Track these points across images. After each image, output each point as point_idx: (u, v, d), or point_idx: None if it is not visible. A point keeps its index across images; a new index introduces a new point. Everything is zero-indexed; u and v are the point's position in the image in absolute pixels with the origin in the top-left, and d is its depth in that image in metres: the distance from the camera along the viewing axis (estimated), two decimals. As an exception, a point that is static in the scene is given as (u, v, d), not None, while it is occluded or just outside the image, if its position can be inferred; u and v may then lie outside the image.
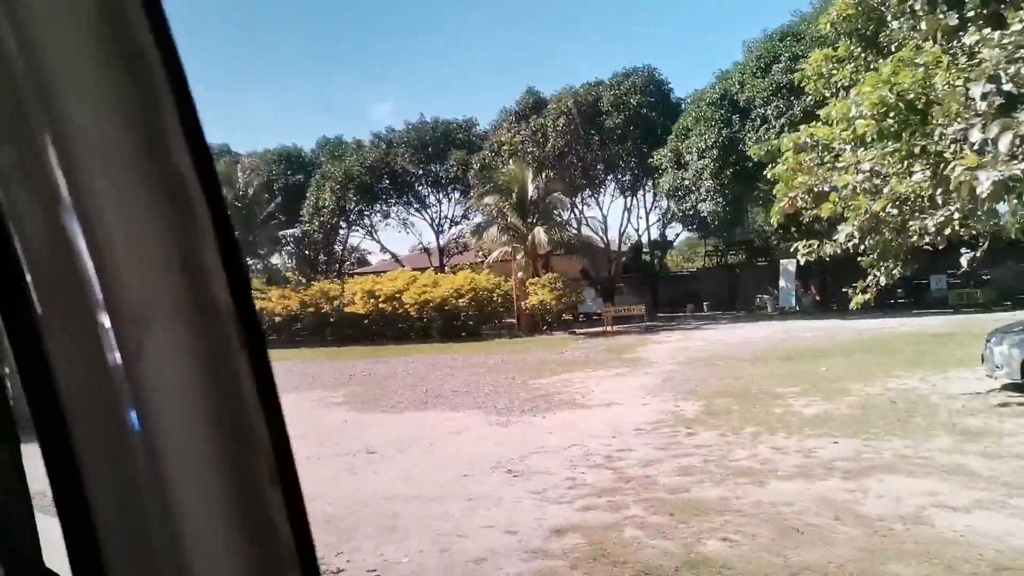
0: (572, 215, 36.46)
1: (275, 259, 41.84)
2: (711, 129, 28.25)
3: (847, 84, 12.19)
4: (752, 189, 30.32)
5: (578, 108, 33.19)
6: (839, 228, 8.77)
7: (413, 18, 78.45)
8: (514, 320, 32.46)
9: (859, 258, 11.21)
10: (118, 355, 0.60)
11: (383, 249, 44.70)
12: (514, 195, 30.21)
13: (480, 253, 41.49)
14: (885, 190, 7.95)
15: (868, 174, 8.17)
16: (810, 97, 25.92)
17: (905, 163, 7.94)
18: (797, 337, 20.81)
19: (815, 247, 10.25)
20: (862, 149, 10.03)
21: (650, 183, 37.01)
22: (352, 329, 33.00)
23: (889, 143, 7.87)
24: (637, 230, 40.71)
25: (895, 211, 8.54)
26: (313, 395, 15.82)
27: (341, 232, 43.03)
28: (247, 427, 0.64)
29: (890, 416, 9.08)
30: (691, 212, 30.22)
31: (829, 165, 10.81)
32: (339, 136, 46.33)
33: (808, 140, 10.83)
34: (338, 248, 45.63)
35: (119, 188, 0.61)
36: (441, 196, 42.17)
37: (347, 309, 32.86)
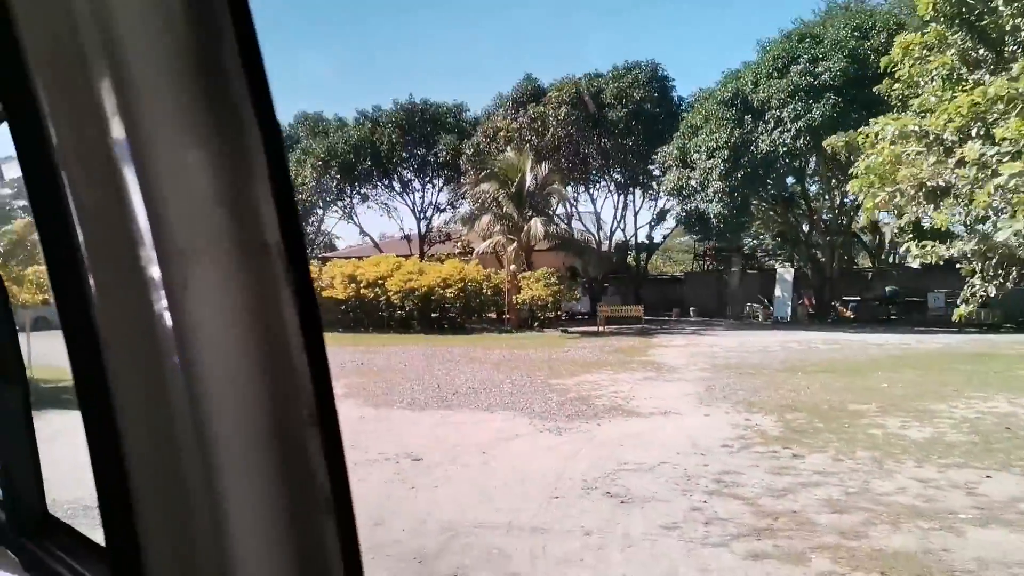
0: (567, 209, 35.14)
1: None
2: (722, 128, 27.16)
3: (944, 73, 11.09)
4: (756, 193, 29.48)
5: (580, 98, 31.81)
6: (1000, 224, 7.52)
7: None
8: (496, 315, 31.09)
9: (959, 265, 10.10)
10: (162, 289, 0.58)
11: (362, 232, 42.80)
12: (512, 184, 28.69)
13: (461, 244, 39.93)
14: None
15: (1043, 163, 6.94)
16: (831, 101, 25.22)
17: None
18: (815, 349, 19.82)
19: (929, 249, 9.05)
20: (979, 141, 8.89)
21: (645, 181, 35.99)
22: (329, 315, 31.06)
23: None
24: (623, 230, 39.52)
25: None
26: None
27: (318, 212, 40.94)
28: (289, 368, 0.62)
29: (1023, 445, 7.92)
30: (695, 213, 29.11)
31: (937, 157, 9.68)
32: (319, 112, 44.08)
33: (916, 128, 9.64)
34: (311, 229, 43.57)
35: (166, 110, 0.59)
36: (426, 181, 40.39)
37: (324, 293, 30.90)
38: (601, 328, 27.99)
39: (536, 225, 27.22)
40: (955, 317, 10.11)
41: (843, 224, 31.63)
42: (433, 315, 30.43)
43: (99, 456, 0.62)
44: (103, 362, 0.60)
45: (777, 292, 31.88)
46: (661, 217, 39.62)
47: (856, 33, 26.98)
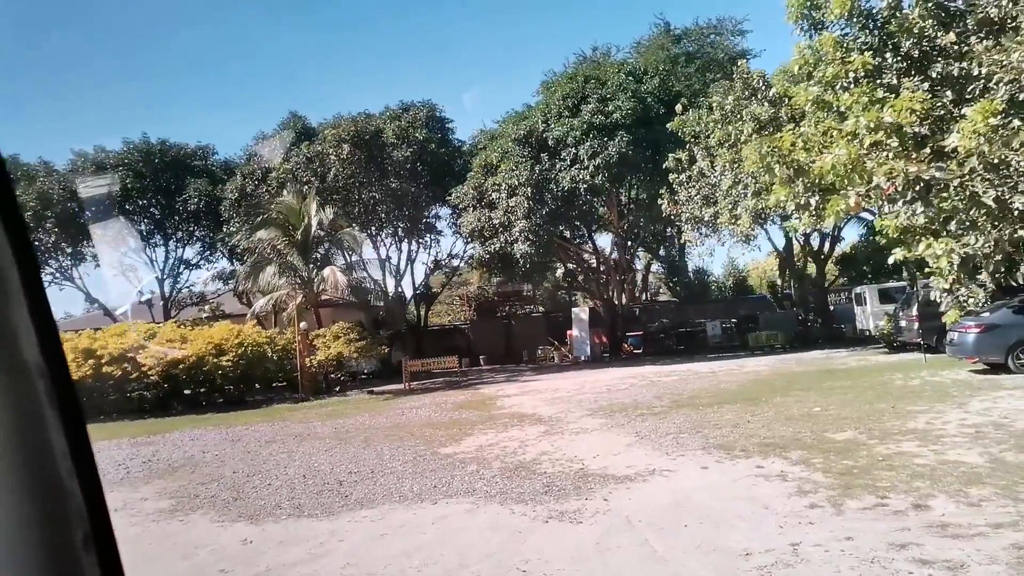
0: (347, 259, 31.78)
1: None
2: (522, 165, 26.35)
3: (863, 73, 10.69)
4: (559, 232, 29.10)
5: (360, 136, 29.12)
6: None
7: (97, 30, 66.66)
8: (282, 384, 26.76)
9: (929, 269, 9.48)
10: None
11: (89, 299, 34.87)
12: (297, 231, 24.94)
13: (210, 307, 34.54)
14: None
15: None
16: (625, 138, 25.60)
17: None
18: (661, 383, 19.16)
19: (949, 249, 8.11)
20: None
21: (426, 227, 34.19)
22: (55, 403, 24.12)
23: None
24: (400, 279, 37.10)
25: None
26: (108, 497, 9.66)
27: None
28: (58, 490, 0.58)
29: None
30: (498, 254, 27.73)
31: (895, 152, 9.03)
32: (14, 155, 35.51)
33: (891, 120, 8.89)
34: None
35: None
36: (171, 234, 34.26)
37: (49, 376, 24.00)
38: (408, 385, 25.12)
39: (335, 274, 23.76)
40: (949, 321, 9.43)
41: (629, 261, 32.55)
42: (200, 390, 25.15)
43: None
44: None
45: (575, 332, 31.67)
46: (438, 265, 38.09)
47: (631, 78, 28.08)
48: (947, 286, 9.21)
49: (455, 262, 35.91)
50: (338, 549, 6.50)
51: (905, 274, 28.68)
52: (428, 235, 34.26)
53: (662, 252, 42.20)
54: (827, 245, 30.20)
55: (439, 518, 7.31)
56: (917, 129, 8.91)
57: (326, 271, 24.42)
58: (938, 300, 9.36)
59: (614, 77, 27.83)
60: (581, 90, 27.37)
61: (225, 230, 29.76)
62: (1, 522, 0.56)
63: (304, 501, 8.72)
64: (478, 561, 5.78)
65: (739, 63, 23.11)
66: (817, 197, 10.73)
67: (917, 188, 8.50)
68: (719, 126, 22.03)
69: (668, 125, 23.95)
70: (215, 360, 24.15)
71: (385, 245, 34.48)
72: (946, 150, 8.61)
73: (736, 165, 20.36)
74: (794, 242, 32.07)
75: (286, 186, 28.07)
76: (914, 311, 18.37)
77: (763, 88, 20.41)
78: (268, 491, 9.58)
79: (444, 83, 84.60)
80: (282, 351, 25.42)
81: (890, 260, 9.94)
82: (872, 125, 8.84)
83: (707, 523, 6.22)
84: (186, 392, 24.88)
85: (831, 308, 31.18)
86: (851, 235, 33.03)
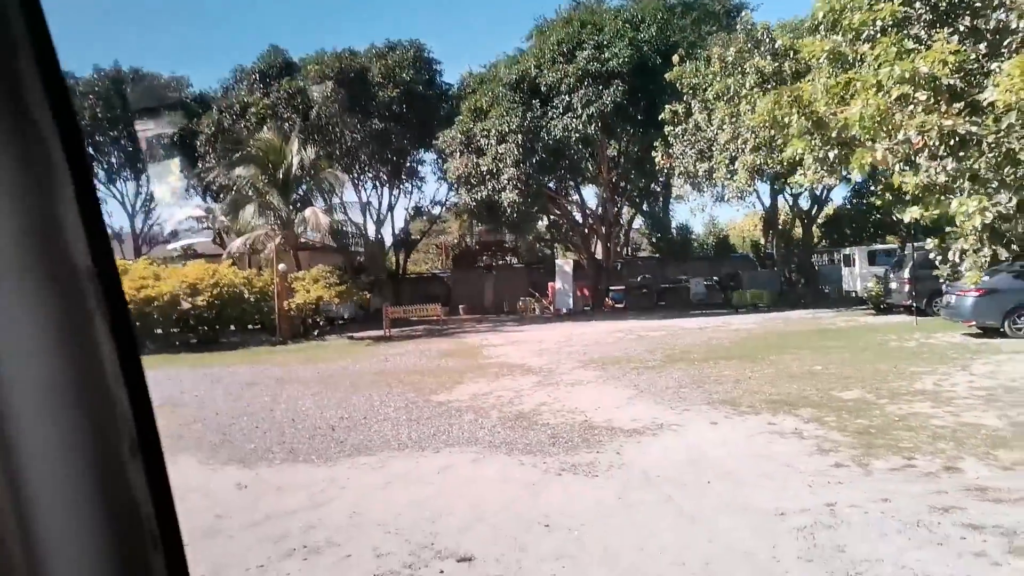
0: (327, 200, 30.94)
1: None
2: (513, 111, 25.58)
3: (891, 23, 10.22)
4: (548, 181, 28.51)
5: (344, 74, 28.03)
6: None
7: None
8: (259, 327, 26.12)
9: (950, 229, 9.21)
10: None
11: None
12: (279, 169, 24.03)
13: (183, 247, 33.60)
14: None
15: None
16: (620, 87, 24.89)
17: None
18: (651, 337, 18.97)
19: (983, 207, 7.78)
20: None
21: (409, 171, 33.36)
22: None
23: None
24: (379, 222, 36.31)
25: None
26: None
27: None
28: (106, 395, 0.58)
29: None
30: (486, 202, 27.06)
31: (933, 103, 8.65)
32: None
33: (928, 70, 8.47)
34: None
35: None
36: (142, 169, 33.05)
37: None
38: (388, 332, 24.69)
39: (317, 215, 23.03)
40: (970, 283, 9.21)
41: (615, 215, 32.16)
42: (173, 329, 24.49)
43: None
44: None
45: (558, 284, 31.37)
46: (419, 212, 37.38)
47: (628, 25, 27.23)
48: (967, 246, 8.96)
49: (437, 209, 35.20)
50: (340, 497, 6.15)
51: (890, 237, 28.84)
52: (411, 180, 33.40)
53: (646, 207, 41.81)
54: (815, 206, 30.05)
55: (443, 468, 6.98)
56: (951, 82, 8.51)
57: (307, 212, 23.71)
58: (957, 260, 9.11)
59: (611, 23, 26.99)
60: (576, 35, 26.51)
61: (200, 166, 28.67)
62: (51, 427, 0.54)
63: (297, 446, 8.35)
64: (494, 513, 5.47)
65: (743, 14, 22.45)
66: (836, 150, 10.36)
67: (951, 143, 8.16)
68: (718, 78, 21.47)
69: (666, 76, 23.33)
70: (190, 300, 23.45)
71: (366, 189, 33.66)
72: (981, 105, 8.25)
73: (735, 119, 19.91)
74: (780, 201, 31.90)
75: (266, 122, 27.00)
76: (906, 273, 18.26)
77: (767, 41, 19.85)
78: (257, 434, 9.19)
79: (432, 24, 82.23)
80: (259, 293, 24.73)
81: (905, 218, 9.67)
82: (906, 75, 8.43)
83: (729, 481, 5.96)
84: (157, 331, 24.22)
85: (815, 269, 31.21)
86: (836, 197, 32.74)
